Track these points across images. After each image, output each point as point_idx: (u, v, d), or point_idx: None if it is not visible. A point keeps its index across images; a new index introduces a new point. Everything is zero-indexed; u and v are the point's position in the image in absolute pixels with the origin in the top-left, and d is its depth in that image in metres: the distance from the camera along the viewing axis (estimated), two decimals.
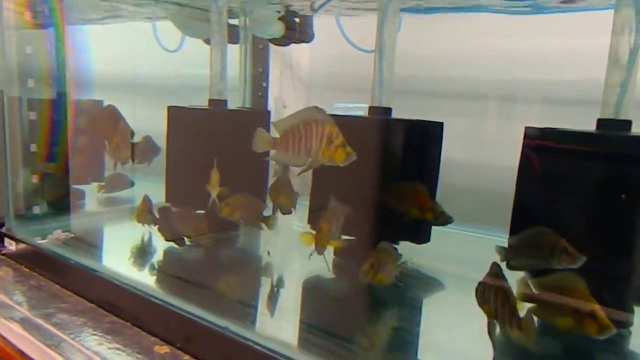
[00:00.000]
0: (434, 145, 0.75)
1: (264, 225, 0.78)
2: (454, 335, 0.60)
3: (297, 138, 0.60)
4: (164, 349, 0.56)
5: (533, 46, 0.92)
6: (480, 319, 0.53)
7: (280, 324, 0.63)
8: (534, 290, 0.57)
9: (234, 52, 1.08)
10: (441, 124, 0.74)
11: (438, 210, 0.72)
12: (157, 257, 0.80)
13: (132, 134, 0.88)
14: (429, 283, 0.77)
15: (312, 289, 0.73)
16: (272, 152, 0.63)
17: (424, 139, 0.74)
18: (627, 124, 0.61)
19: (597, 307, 0.52)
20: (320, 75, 1.32)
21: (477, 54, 1.00)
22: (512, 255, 0.63)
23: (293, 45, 1.23)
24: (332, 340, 0.57)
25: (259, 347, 0.50)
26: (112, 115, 0.86)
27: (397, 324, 0.64)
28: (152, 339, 0.58)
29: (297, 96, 1.35)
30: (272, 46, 1.21)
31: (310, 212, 0.79)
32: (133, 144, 0.93)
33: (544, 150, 0.63)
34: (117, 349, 0.55)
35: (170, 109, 0.81)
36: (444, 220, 0.73)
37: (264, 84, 1.14)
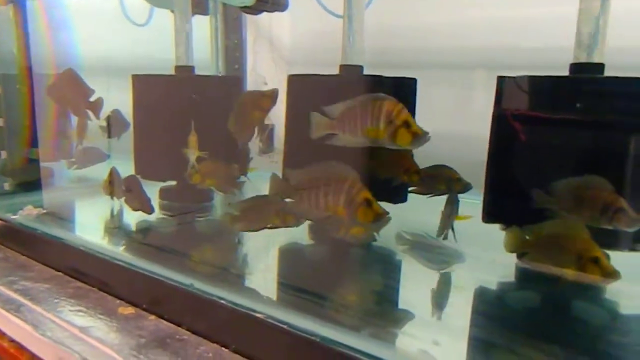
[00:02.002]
0: (408, 100, 0.75)
1: (236, 191, 0.79)
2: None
3: (354, 119, 0.57)
4: (128, 310, 0.57)
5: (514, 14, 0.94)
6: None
7: (248, 282, 0.64)
8: (529, 238, 0.59)
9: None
10: (414, 80, 0.75)
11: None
12: (127, 226, 0.81)
13: (93, 92, 0.88)
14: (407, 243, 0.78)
15: (288, 253, 0.74)
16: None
17: (397, 95, 0.75)
18: (601, 66, 0.63)
19: (600, 253, 0.53)
20: (302, 50, 1.33)
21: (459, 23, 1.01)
22: (551, 202, 0.59)
23: (273, 19, 1.24)
24: (297, 295, 0.59)
25: (223, 302, 0.52)
26: (71, 79, 0.87)
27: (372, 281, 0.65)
28: (118, 301, 0.59)
29: (278, 72, 1.36)
30: (249, 19, 1.22)
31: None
32: (109, 118, 0.94)
33: (517, 96, 0.65)
34: (80, 311, 0.56)
35: (135, 77, 0.81)
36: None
37: (239, 56, 1.15)
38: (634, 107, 0.60)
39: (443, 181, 0.79)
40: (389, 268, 0.70)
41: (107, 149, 1.01)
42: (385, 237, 0.72)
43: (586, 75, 0.62)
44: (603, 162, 0.60)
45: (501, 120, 0.65)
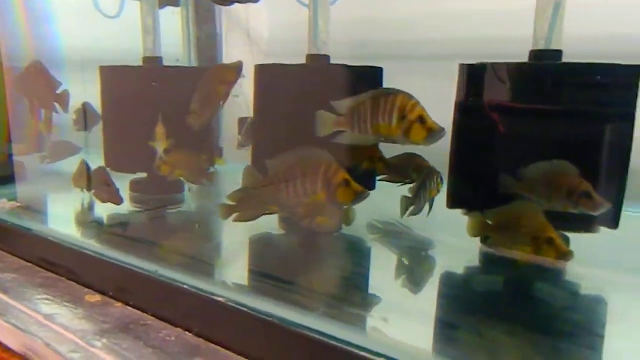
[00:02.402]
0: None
1: (205, 181, 0.80)
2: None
3: (364, 115, 0.56)
4: (95, 297, 0.58)
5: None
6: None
7: (214, 269, 0.65)
8: (489, 222, 0.62)
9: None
10: (380, 69, 0.77)
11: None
12: (97, 217, 0.82)
13: (59, 84, 0.89)
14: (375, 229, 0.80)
15: (256, 242, 0.75)
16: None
17: (363, 83, 0.77)
18: (559, 53, 0.65)
19: (554, 234, 0.56)
20: (280, 42, 1.34)
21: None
22: (518, 188, 0.62)
23: (249, 11, 1.25)
24: (261, 280, 0.61)
25: (186, 287, 0.53)
26: (38, 71, 0.87)
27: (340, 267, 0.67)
28: (85, 290, 0.61)
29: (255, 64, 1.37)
30: (224, 10, 1.23)
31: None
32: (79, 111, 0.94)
33: (478, 83, 0.67)
34: (46, 299, 0.57)
35: (102, 68, 0.82)
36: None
37: (213, 48, 1.16)
38: (591, 92, 0.63)
39: (413, 169, 0.81)
40: (355, 255, 0.71)
41: (83, 142, 1.02)
42: (356, 225, 0.74)
43: (544, 61, 0.64)
44: (562, 147, 0.62)
45: (462, 108, 0.67)
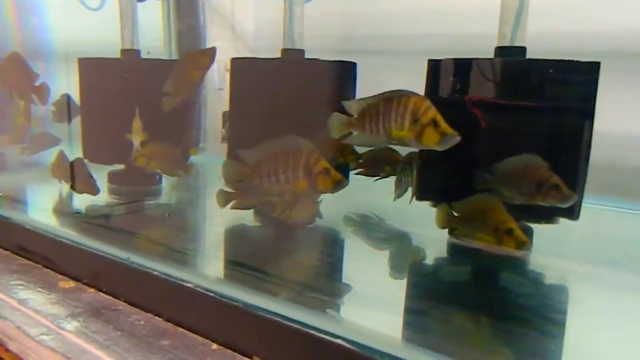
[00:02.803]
0: (347, 84, 0.79)
1: (182, 173, 0.82)
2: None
3: (376, 117, 0.55)
4: (69, 284, 0.60)
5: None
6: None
7: (187, 258, 0.67)
8: (455, 213, 0.64)
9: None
10: (354, 64, 0.79)
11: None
12: (75, 207, 0.84)
13: (37, 76, 0.90)
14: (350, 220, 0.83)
15: (230, 232, 0.77)
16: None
17: (336, 78, 0.79)
18: (523, 50, 0.67)
19: (514, 225, 0.58)
20: (266, 38, 1.36)
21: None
22: (492, 183, 0.63)
23: (235, 6, 1.26)
24: (233, 268, 0.63)
25: (157, 273, 0.55)
26: (16, 63, 0.88)
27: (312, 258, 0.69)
28: (60, 276, 0.62)
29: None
30: (208, 5, 1.25)
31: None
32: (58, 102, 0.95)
33: (445, 78, 0.69)
34: (21, 285, 0.59)
35: (81, 60, 0.84)
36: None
37: (195, 41, 1.18)
38: (553, 87, 0.65)
39: (388, 163, 0.84)
40: (326, 245, 0.74)
41: (63, 134, 1.03)
42: (331, 218, 0.76)
43: (508, 57, 0.66)
44: (525, 140, 0.65)
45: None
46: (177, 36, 1.11)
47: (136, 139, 0.79)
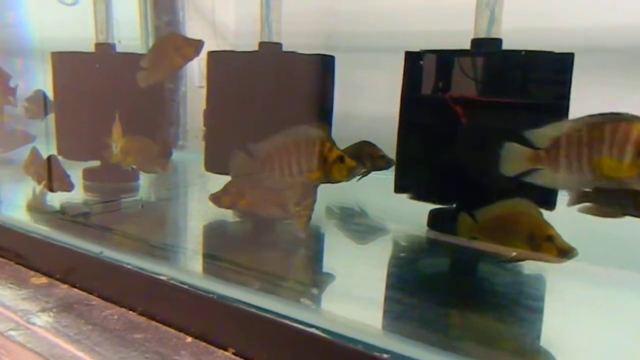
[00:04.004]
0: (325, 78, 0.80)
1: (159, 170, 0.81)
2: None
3: (577, 149, 0.45)
4: (41, 280, 0.60)
5: None
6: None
7: (163, 252, 0.67)
8: (478, 222, 0.57)
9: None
10: (332, 57, 0.79)
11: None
12: (48, 204, 0.83)
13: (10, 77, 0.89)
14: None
15: (208, 227, 0.77)
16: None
17: (314, 71, 0.79)
18: (499, 41, 0.68)
19: (554, 231, 0.50)
20: (247, 35, 1.36)
21: None
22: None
23: (216, 3, 1.26)
24: (208, 261, 0.63)
25: (130, 267, 0.55)
26: None
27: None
28: (32, 273, 0.62)
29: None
30: (189, 2, 1.25)
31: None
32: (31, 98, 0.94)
33: (422, 68, 0.69)
34: None
35: (54, 55, 0.83)
36: None
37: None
38: (529, 78, 0.66)
39: (367, 158, 0.84)
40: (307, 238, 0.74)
41: (39, 130, 1.02)
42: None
43: (485, 49, 0.67)
44: (502, 132, 0.65)
45: (406, 96, 0.70)
46: (155, 32, 1.10)
47: (116, 146, 0.78)
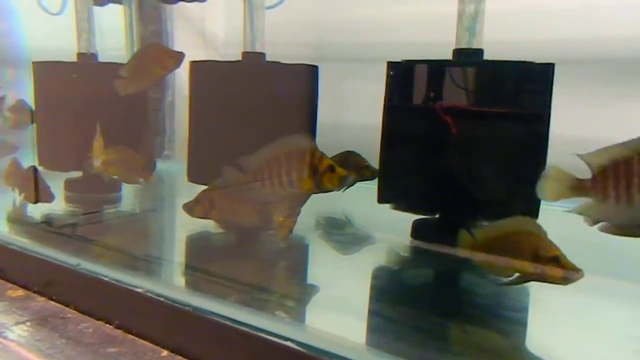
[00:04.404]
0: (308, 88, 0.80)
1: (142, 181, 0.81)
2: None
3: (627, 178, 0.41)
4: (18, 292, 0.59)
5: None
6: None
7: (140, 263, 0.67)
8: (477, 241, 0.54)
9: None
10: (316, 67, 0.80)
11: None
12: (28, 215, 0.82)
13: None
14: None
15: (190, 239, 0.77)
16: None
17: (296, 81, 0.79)
18: (481, 51, 0.68)
19: (559, 252, 0.47)
20: (237, 45, 1.36)
21: None
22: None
23: (205, 13, 1.26)
24: (188, 273, 0.63)
25: (107, 279, 0.55)
26: None
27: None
28: (10, 285, 0.61)
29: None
30: (177, 12, 1.25)
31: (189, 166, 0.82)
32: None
33: (405, 79, 0.70)
34: None
35: (35, 64, 0.83)
36: None
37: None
38: (510, 88, 0.67)
39: (352, 169, 0.84)
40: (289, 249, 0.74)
41: (23, 141, 1.01)
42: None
43: (467, 59, 0.67)
44: (485, 142, 0.66)
45: (388, 106, 0.70)
46: (140, 41, 1.10)
47: (97, 160, 0.77)
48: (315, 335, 0.44)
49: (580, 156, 0.45)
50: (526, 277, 0.49)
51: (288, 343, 0.42)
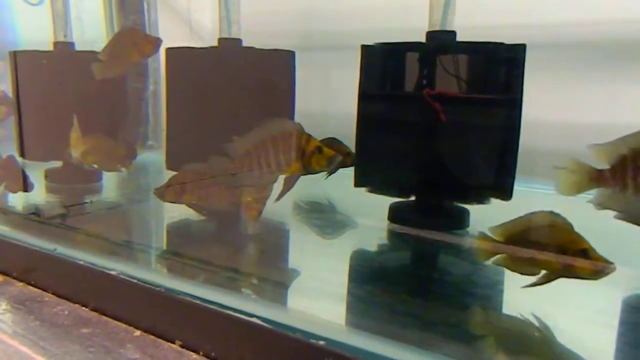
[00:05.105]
0: (285, 73, 0.81)
1: (122, 168, 0.82)
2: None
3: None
4: None
5: None
6: None
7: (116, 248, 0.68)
8: (498, 239, 0.51)
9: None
10: (292, 52, 0.81)
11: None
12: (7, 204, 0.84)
13: None
14: None
15: (170, 226, 0.79)
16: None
17: (274, 66, 0.80)
18: (454, 33, 0.70)
19: (588, 245, 0.45)
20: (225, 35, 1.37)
21: None
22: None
23: (192, 3, 1.27)
24: (161, 256, 0.64)
25: (82, 263, 0.56)
26: None
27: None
28: None
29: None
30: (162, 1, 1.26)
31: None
32: None
33: (377, 62, 0.71)
34: None
35: (11, 54, 0.84)
36: None
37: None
38: (482, 70, 0.68)
39: None
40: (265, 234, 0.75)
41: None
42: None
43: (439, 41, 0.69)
44: (457, 126, 0.67)
45: (363, 91, 0.71)
46: None
47: (75, 152, 0.78)
48: (278, 311, 0.46)
49: (598, 146, 0.44)
50: (553, 274, 0.46)
51: (253, 319, 0.43)
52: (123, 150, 0.83)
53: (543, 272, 0.47)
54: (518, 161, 0.66)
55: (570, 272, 0.45)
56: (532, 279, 0.47)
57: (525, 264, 0.48)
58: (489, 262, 0.50)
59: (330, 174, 0.84)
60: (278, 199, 0.62)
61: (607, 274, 0.43)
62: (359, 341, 0.41)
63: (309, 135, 0.60)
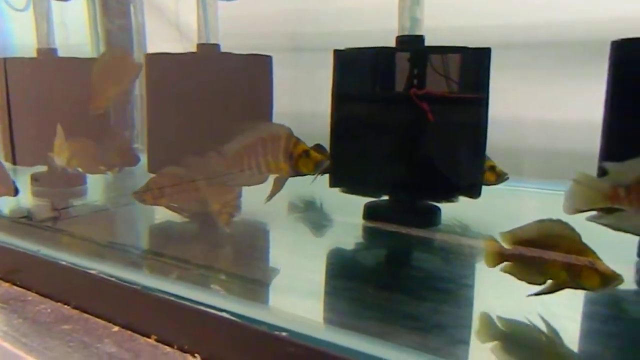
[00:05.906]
0: (262, 78, 0.84)
1: (106, 171, 0.85)
2: None
3: None
4: None
5: None
6: None
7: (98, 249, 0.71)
8: (506, 246, 0.50)
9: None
10: (269, 57, 0.84)
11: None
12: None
13: None
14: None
15: (152, 228, 0.82)
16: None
17: (252, 71, 0.83)
18: (422, 38, 0.73)
19: (596, 256, 0.45)
20: (214, 38, 1.39)
21: None
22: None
23: (180, 6, 1.30)
24: (142, 256, 0.68)
25: (64, 263, 0.59)
26: None
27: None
28: None
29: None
30: (148, 4, 1.28)
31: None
32: None
33: (350, 66, 0.74)
34: None
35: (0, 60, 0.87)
36: None
37: (127, 41, 1.21)
38: (450, 73, 0.71)
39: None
40: (249, 233, 0.78)
41: None
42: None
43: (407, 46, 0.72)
44: (429, 128, 0.70)
45: (336, 93, 0.74)
46: (107, 36, 1.14)
47: (59, 160, 0.81)
48: (247, 306, 0.49)
49: (616, 165, 0.43)
50: (559, 284, 0.46)
51: (223, 314, 0.47)
52: (105, 153, 0.85)
53: (549, 281, 0.47)
54: None
55: (576, 283, 0.45)
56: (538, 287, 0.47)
57: (533, 273, 0.48)
58: (497, 269, 0.50)
59: (315, 179, 0.87)
60: (268, 199, 0.65)
61: (613, 287, 0.43)
62: (320, 332, 0.44)
63: (298, 139, 0.63)
